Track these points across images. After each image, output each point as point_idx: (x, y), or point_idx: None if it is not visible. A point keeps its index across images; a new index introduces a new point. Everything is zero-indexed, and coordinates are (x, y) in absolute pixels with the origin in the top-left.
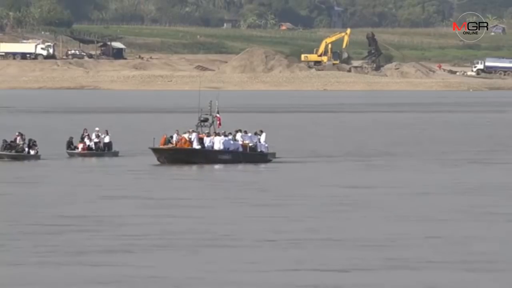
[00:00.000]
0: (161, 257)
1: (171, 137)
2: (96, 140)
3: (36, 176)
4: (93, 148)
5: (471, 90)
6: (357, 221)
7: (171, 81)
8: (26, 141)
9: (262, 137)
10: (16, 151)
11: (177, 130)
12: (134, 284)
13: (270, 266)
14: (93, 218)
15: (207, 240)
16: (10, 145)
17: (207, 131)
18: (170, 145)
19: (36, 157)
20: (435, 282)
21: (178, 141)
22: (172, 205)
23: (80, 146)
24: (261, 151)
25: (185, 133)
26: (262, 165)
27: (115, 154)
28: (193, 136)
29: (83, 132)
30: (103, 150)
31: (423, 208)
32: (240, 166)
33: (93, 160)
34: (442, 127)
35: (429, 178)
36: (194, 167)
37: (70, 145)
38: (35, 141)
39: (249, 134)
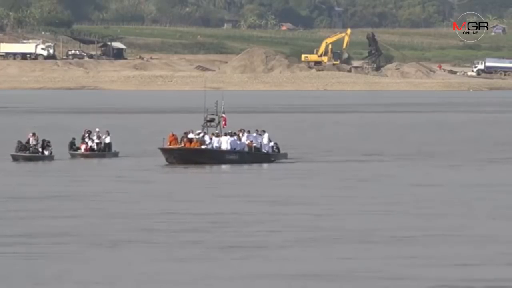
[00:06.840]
0: (304, 252)
1: (185, 134)
2: (97, 141)
3: (112, 175)
4: (95, 148)
5: (471, 90)
6: (476, 218)
7: (172, 81)
8: (40, 142)
9: (265, 138)
10: (31, 152)
11: (192, 130)
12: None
13: (411, 261)
14: (211, 215)
15: (341, 235)
16: (25, 146)
17: (213, 131)
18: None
19: (50, 157)
20: None
21: (183, 140)
22: (280, 202)
23: (83, 147)
24: (263, 151)
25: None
26: (272, 165)
27: (116, 154)
28: (206, 137)
29: (84, 133)
30: (104, 150)
31: None
32: (318, 165)
33: (119, 160)
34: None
35: (504, 176)
36: (272, 165)
37: (72, 146)
38: (49, 142)
39: (254, 134)
